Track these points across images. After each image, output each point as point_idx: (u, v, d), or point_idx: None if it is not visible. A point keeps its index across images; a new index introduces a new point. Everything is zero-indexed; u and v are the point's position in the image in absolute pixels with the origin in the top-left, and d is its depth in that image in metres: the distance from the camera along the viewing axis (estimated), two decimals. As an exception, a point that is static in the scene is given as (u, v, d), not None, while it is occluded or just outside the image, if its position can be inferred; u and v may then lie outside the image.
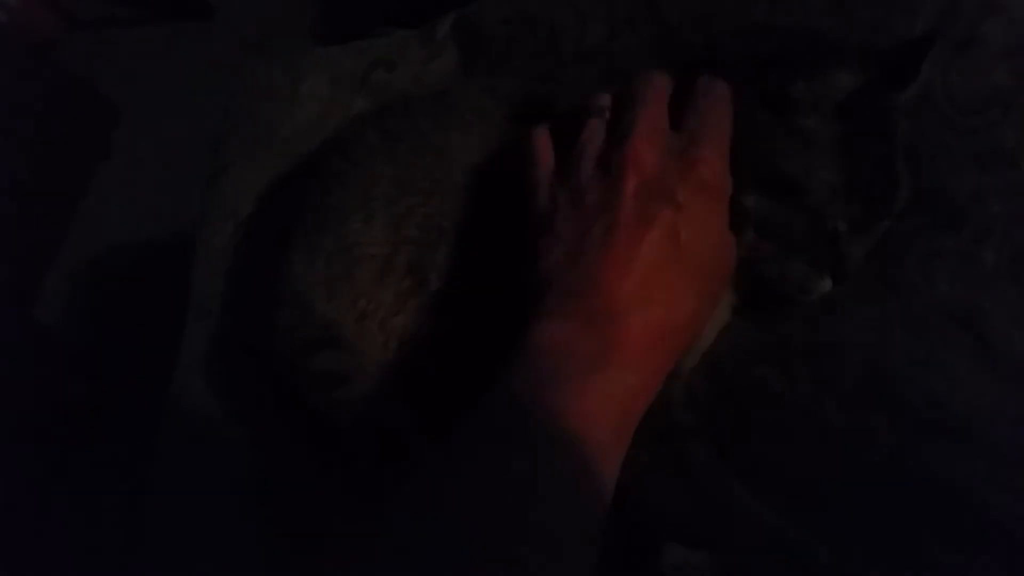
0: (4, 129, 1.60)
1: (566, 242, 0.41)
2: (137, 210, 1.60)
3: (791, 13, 0.57)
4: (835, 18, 0.55)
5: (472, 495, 0.36)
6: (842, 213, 0.45)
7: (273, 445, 0.65)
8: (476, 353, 0.56)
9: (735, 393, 0.50)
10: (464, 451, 0.38)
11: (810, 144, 0.45)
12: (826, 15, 0.55)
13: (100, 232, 1.63)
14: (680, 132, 0.43)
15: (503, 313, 0.52)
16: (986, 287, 0.46)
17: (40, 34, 1.90)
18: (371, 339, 0.58)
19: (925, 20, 0.51)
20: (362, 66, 0.77)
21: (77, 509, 1.21)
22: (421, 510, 0.36)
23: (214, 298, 0.74)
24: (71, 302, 1.55)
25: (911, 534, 0.44)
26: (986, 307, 0.45)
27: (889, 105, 0.46)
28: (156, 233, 1.51)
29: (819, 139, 0.45)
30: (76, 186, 1.72)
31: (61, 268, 1.61)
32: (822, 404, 0.48)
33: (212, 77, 1.56)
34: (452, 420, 0.55)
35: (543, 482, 0.36)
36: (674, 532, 0.47)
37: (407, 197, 0.58)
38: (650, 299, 0.39)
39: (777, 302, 0.50)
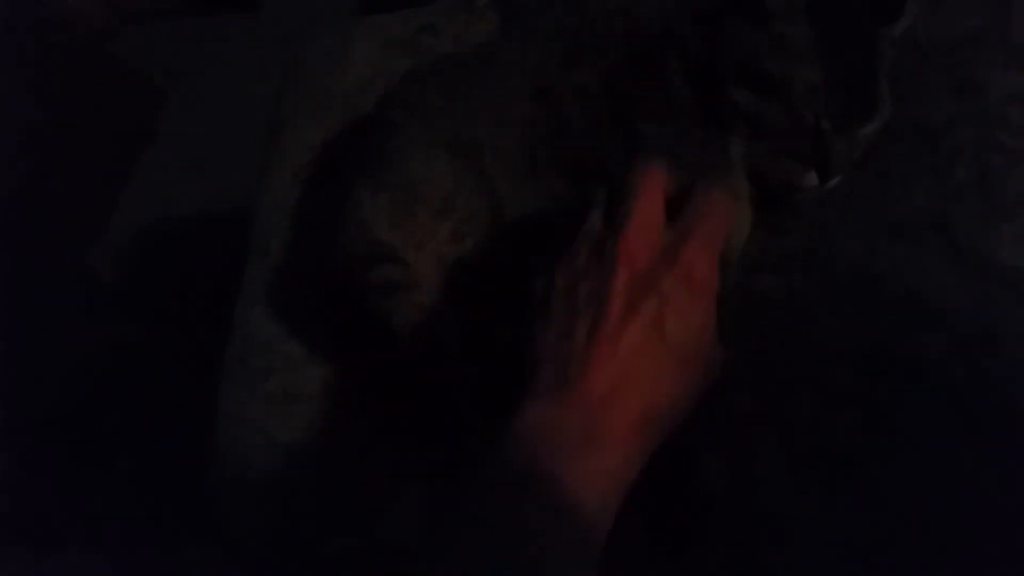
0: (59, 112, 1.70)
1: (559, 326, 0.44)
2: (182, 187, 1.70)
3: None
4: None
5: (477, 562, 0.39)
6: (823, 111, 0.51)
7: (329, 359, 0.73)
8: (530, 279, 0.64)
9: (737, 299, 0.57)
10: (470, 522, 0.41)
11: (788, 46, 0.52)
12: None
13: (148, 205, 1.73)
14: (673, 226, 0.45)
15: (559, 245, 0.61)
16: (956, 198, 0.53)
17: (93, 26, 2.01)
18: (427, 264, 0.65)
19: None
20: (409, 31, 0.85)
21: (135, 444, 1.31)
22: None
23: (274, 236, 0.82)
24: (124, 268, 1.65)
25: (890, 408, 0.51)
26: (955, 215, 0.53)
27: (873, 30, 0.53)
28: (200, 207, 1.61)
29: (795, 42, 0.52)
30: (126, 164, 1.82)
31: (113, 240, 1.72)
32: (815, 304, 0.56)
33: (255, 64, 1.67)
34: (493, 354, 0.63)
35: (539, 552, 0.39)
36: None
37: (465, 149, 0.65)
38: (633, 387, 0.42)
39: (774, 202, 0.57)
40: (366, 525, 0.66)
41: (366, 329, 0.66)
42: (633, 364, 0.42)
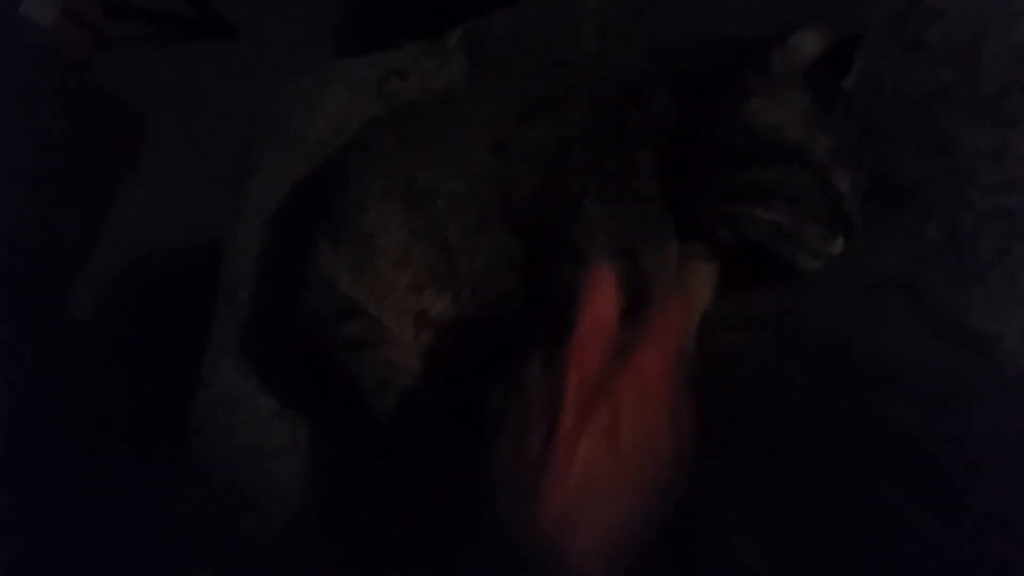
0: (39, 141, 1.69)
1: (513, 445, 0.43)
2: (163, 215, 1.69)
3: (765, 23, 0.64)
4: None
5: None
6: (843, 173, 0.50)
7: (297, 414, 0.71)
8: (486, 333, 0.63)
9: (708, 356, 0.56)
10: None
11: (798, 112, 0.51)
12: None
13: (129, 236, 1.72)
14: (628, 327, 0.44)
15: (510, 300, 0.60)
16: (926, 259, 0.52)
17: (74, 53, 1.99)
18: (390, 317, 0.65)
19: (877, 25, 0.58)
20: (378, 75, 0.84)
21: (114, 486, 1.29)
22: None
23: (242, 286, 0.81)
24: (103, 300, 1.64)
25: (864, 476, 0.50)
26: (927, 276, 0.51)
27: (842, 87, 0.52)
28: (181, 237, 1.60)
29: (803, 106, 0.51)
30: (107, 194, 1.81)
31: (93, 269, 1.71)
32: (785, 365, 0.54)
33: (234, 93, 1.66)
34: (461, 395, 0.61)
35: None
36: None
37: (418, 196, 0.64)
38: (591, 508, 0.40)
39: (756, 276, 0.56)
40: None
41: (334, 385, 0.65)
42: (589, 483, 0.40)
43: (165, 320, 1.50)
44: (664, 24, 0.69)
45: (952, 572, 0.47)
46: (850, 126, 0.52)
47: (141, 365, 1.49)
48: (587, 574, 0.39)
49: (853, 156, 0.51)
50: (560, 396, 0.42)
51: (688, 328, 0.55)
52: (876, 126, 0.55)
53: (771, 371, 0.54)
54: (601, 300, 0.45)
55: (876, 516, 0.48)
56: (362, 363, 0.62)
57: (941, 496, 0.47)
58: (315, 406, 0.71)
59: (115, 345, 1.57)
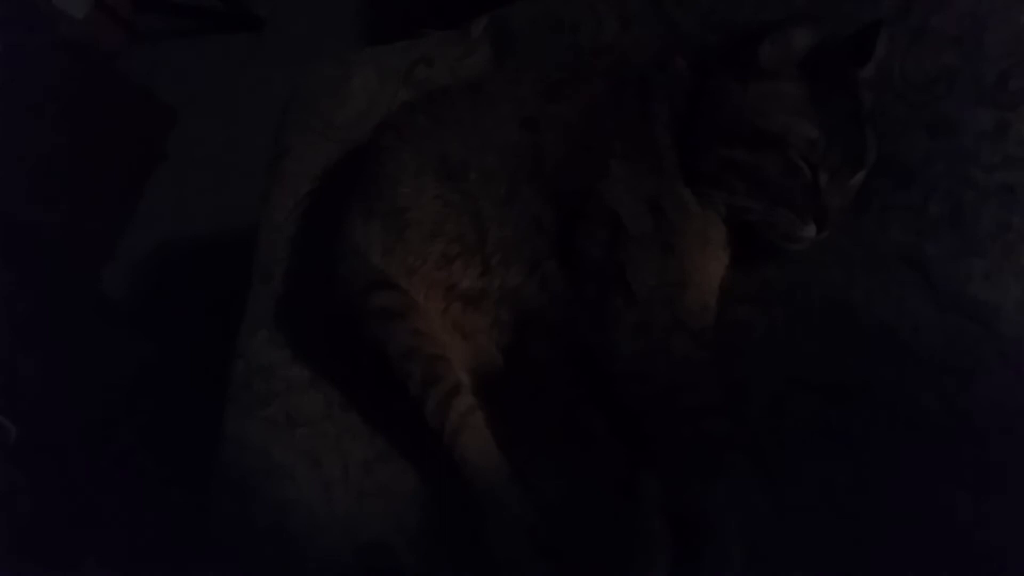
0: (72, 131, 1.73)
1: None
2: (192, 202, 1.74)
3: (777, 10, 0.67)
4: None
5: None
6: (822, 163, 0.54)
7: (329, 383, 0.75)
8: (512, 308, 0.66)
9: (721, 328, 0.59)
10: None
11: (784, 103, 0.54)
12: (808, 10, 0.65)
13: (160, 221, 1.77)
14: None
15: (539, 266, 0.63)
16: (930, 233, 0.55)
17: (105, 46, 2.05)
18: (419, 290, 0.68)
19: (886, 12, 0.60)
20: (406, 63, 0.88)
21: (149, 452, 1.34)
22: None
23: (277, 263, 0.84)
24: (134, 281, 1.70)
25: (868, 438, 0.52)
26: (930, 249, 0.54)
27: (853, 76, 0.55)
28: (209, 222, 1.65)
29: (791, 98, 0.54)
30: (138, 182, 1.86)
31: (125, 253, 1.77)
32: (795, 334, 0.57)
33: (262, 84, 1.71)
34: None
35: None
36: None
37: (451, 170, 0.68)
38: None
39: (768, 252, 0.59)
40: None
41: (364, 354, 0.68)
42: None
43: (193, 299, 1.55)
44: (681, 11, 0.72)
45: (949, 526, 0.49)
46: (848, 117, 0.55)
47: (170, 341, 1.54)
48: None
49: (842, 148, 0.54)
50: None
51: (712, 282, 0.58)
52: (881, 108, 0.58)
53: (779, 340, 0.57)
54: None
55: (879, 475, 0.51)
56: (391, 333, 0.65)
57: (941, 456, 0.50)
58: (346, 375, 0.74)
59: (146, 322, 1.62)
